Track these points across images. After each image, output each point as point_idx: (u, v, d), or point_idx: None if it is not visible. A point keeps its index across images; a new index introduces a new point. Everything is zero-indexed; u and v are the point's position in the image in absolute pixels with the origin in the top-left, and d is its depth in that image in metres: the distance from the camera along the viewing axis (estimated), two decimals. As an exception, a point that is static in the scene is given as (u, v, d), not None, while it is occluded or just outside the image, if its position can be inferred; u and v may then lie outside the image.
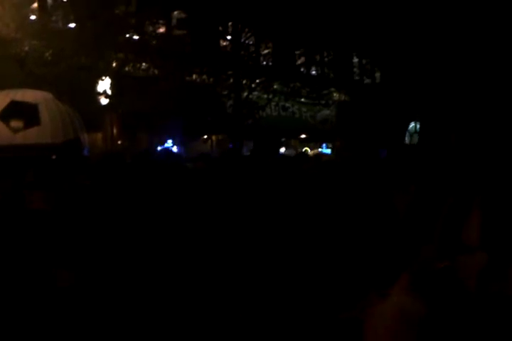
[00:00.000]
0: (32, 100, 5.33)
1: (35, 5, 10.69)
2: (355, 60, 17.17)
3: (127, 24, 10.97)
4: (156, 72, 11.58)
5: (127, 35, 11.19)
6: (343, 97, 16.61)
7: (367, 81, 17.08)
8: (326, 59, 15.43)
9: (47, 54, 9.83)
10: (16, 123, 4.72)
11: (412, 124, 16.58)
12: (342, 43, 14.50)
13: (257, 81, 13.05)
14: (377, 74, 17.23)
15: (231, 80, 12.68)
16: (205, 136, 13.74)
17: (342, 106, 16.36)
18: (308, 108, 15.73)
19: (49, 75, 8.69)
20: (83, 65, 9.77)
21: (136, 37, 11.41)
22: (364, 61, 17.00)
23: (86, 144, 6.04)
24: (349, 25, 12.75)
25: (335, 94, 16.11)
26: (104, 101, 10.88)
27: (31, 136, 4.50)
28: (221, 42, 13.46)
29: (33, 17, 10.43)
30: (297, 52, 14.76)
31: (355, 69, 17.25)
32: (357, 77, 17.34)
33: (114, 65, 10.90)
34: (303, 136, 16.17)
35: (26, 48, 9.75)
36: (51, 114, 5.34)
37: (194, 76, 12.45)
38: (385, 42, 13.97)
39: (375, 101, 14.83)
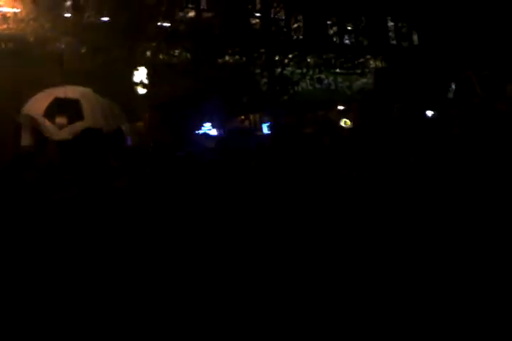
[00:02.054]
0: (73, 96, 5.57)
1: (68, 3, 10.97)
2: (390, 24, 16.64)
3: (157, 12, 11.10)
4: (188, 56, 11.68)
5: (158, 24, 11.32)
6: (379, 64, 16.20)
7: (404, 45, 16.56)
8: (358, 26, 15.05)
9: (83, 50, 10.11)
10: (60, 120, 4.98)
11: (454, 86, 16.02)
12: (374, 8, 14.09)
13: (290, 56, 12.93)
14: (414, 38, 16.69)
15: (263, 58, 12.62)
16: (243, 117, 13.81)
17: (379, 73, 15.96)
18: (344, 78, 15.45)
19: (87, 70, 8.96)
20: (118, 57, 10.00)
21: (166, 24, 11.53)
22: (400, 24, 16.46)
23: (128, 134, 6.28)
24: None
25: (371, 62, 15.72)
26: (141, 90, 11.13)
27: (76, 131, 4.73)
28: (251, 20, 13.37)
29: (67, 14, 10.73)
30: (328, 23, 14.48)
31: (390, 34, 16.74)
32: (393, 42, 16.83)
33: (147, 54, 11.09)
34: (340, 107, 15.95)
35: (62, 46, 10.06)
36: (93, 108, 5.58)
37: (227, 57, 12.47)
38: (419, 3, 13.50)
39: (415, 65, 14.40)
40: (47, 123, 4.87)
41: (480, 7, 12.48)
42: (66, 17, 10.64)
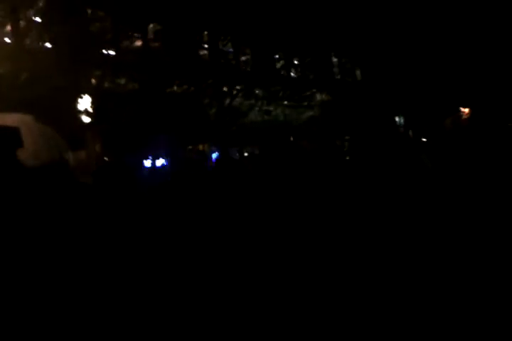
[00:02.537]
0: (12, 123, 5.23)
1: (8, 28, 10.58)
2: (334, 59, 17.25)
3: (103, 40, 10.91)
4: (135, 86, 11.51)
5: (104, 52, 11.12)
6: (325, 97, 16.66)
7: (348, 79, 17.16)
8: (304, 61, 15.48)
9: (22, 76, 9.72)
10: None
11: (397, 118, 16.71)
12: (320, 45, 14.56)
13: (238, 87, 13.04)
14: (358, 72, 17.35)
15: (212, 89, 12.65)
16: (190, 147, 13.67)
17: (325, 106, 16.39)
18: (292, 110, 15.74)
19: (27, 98, 8.59)
20: (61, 84, 9.68)
21: (112, 53, 11.35)
22: (343, 60, 17.09)
23: (71, 163, 5.96)
24: (326, 26, 12.82)
25: (317, 95, 16.14)
26: (86, 119, 10.78)
27: (18, 157, 4.41)
28: (199, 51, 13.44)
29: (6, 39, 10.33)
30: (276, 56, 14.80)
31: (334, 69, 17.33)
32: (337, 76, 17.41)
33: (93, 82, 10.82)
34: (291, 138, 16.15)
35: (0, 71, 9.64)
36: (33, 136, 5.25)
37: (175, 87, 12.39)
38: (363, 41, 14.07)
39: (359, 99, 14.89)
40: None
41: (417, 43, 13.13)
42: (6, 42, 10.24)
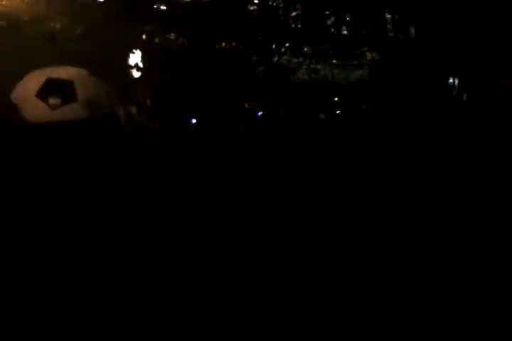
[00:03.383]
0: (67, 77, 5.46)
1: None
2: (388, 16, 16.56)
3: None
4: (185, 42, 11.57)
5: (154, 6, 11.17)
6: (376, 56, 16.16)
7: (401, 37, 16.51)
8: (357, 17, 14.97)
9: (78, 30, 9.96)
10: (53, 101, 4.89)
11: (451, 80, 16.07)
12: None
13: (287, 45, 12.85)
14: (412, 30, 16.63)
15: (260, 45, 12.53)
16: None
17: (376, 65, 15.93)
18: (341, 69, 15.41)
19: (81, 51, 8.84)
20: (113, 39, 9.87)
21: (163, 7, 11.38)
22: (397, 17, 16.38)
23: (122, 117, 6.20)
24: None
25: (368, 54, 15.68)
26: (136, 74, 11.01)
27: (69, 112, 4.67)
28: (248, 6, 13.24)
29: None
30: (326, 12, 14.37)
31: (388, 26, 16.68)
32: (390, 34, 16.77)
33: (143, 37, 10.96)
34: (335, 98, 15.92)
35: (57, 26, 9.90)
36: (87, 90, 5.49)
37: (223, 43, 12.36)
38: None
39: (412, 58, 14.37)
40: (39, 103, 4.79)
41: (478, 5, 12.44)
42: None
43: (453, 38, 13.14)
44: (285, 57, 13.03)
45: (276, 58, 12.59)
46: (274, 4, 13.17)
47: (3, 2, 9.62)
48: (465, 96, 15.29)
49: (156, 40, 11.25)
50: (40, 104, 5.11)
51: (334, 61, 14.85)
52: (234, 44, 12.36)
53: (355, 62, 14.88)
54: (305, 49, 13.50)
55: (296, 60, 13.43)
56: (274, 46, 12.59)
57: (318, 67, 14.81)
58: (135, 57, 10.97)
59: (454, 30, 12.74)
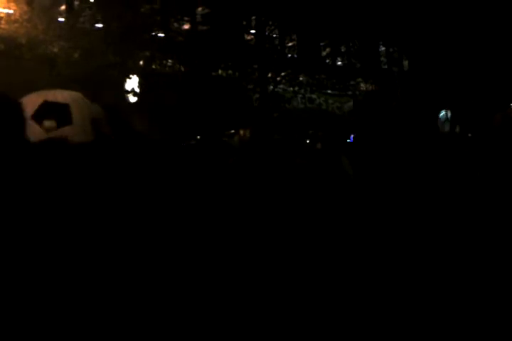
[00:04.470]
0: (63, 100, 5.45)
1: (63, 7, 10.91)
2: (382, 48, 16.90)
3: (152, 22, 11.09)
4: (182, 68, 11.67)
5: (153, 33, 11.31)
6: (370, 87, 16.39)
7: (394, 70, 16.80)
8: (351, 49, 15.24)
9: (75, 54, 10.02)
10: (48, 123, 4.85)
11: (443, 112, 16.27)
12: (367, 32, 14.29)
13: (283, 74, 12.99)
14: (405, 63, 16.95)
15: (256, 74, 12.66)
16: (232, 131, 13.76)
17: (370, 96, 16.14)
18: (335, 99, 15.60)
19: (78, 75, 8.86)
20: (110, 64, 9.93)
21: (161, 34, 11.53)
22: (391, 49, 16.72)
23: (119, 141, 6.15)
24: (374, 13, 12.57)
25: (362, 85, 15.91)
26: (132, 99, 11.05)
27: (63, 134, 4.62)
28: (245, 36, 13.45)
29: (60, 19, 10.66)
30: (322, 44, 14.62)
31: (382, 58, 16.99)
32: (384, 66, 17.07)
33: (141, 62, 11.05)
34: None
35: (55, 49, 9.96)
36: (82, 113, 5.46)
37: (220, 71, 12.48)
38: (412, 30, 13.72)
39: (404, 90, 14.59)
40: (35, 125, 4.75)
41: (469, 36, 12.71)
42: (60, 21, 10.57)
43: (446, 71, 13.37)
44: (281, 86, 13.16)
45: (271, 86, 12.72)
46: (271, 34, 13.39)
47: (2, 26, 9.69)
48: (458, 128, 15.44)
49: (154, 65, 11.34)
50: (36, 126, 5.02)
51: (329, 91, 15.03)
52: (230, 72, 12.48)
53: (350, 92, 15.08)
54: (301, 78, 13.66)
55: (291, 88, 13.57)
56: (269, 75, 12.73)
57: (314, 96, 14.97)
58: (132, 82, 11.03)
59: (447, 63, 12.97)
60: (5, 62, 8.99)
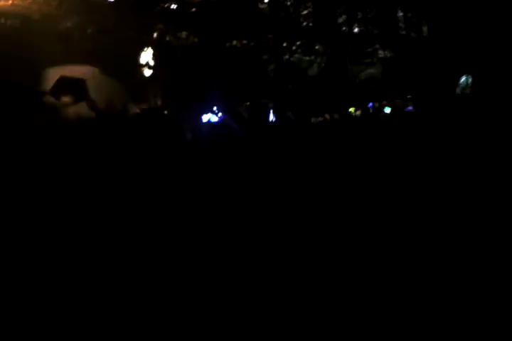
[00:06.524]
0: (80, 75, 5.53)
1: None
2: (400, 14, 16.42)
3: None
4: (195, 40, 11.56)
5: (165, 5, 11.19)
6: (388, 54, 16.03)
7: (413, 36, 16.37)
8: (368, 15, 14.87)
9: (89, 29, 10.00)
10: (66, 98, 4.94)
11: (464, 78, 15.88)
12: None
13: (298, 43, 12.79)
14: (424, 28, 16.48)
15: (271, 43, 12.49)
16: (248, 103, 13.68)
17: (388, 63, 15.80)
18: (352, 67, 15.31)
19: (93, 50, 8.87)
20: (124, 37, 9.90)
21: (174, 6, 11.39)
22: (409, 15, 16.24)
23: (133, 115, 6.21)
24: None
25: (380, 52, 15.56)
26: (147, 72, 11.03)
27: (81, 109, 4.70)
28: (259, 5, 13.19)
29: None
30: (338, 11, 14.29)
31: (400, 24, 16.54)
32: (402, 32, 16.63)
33: (154, 35, 10.98)
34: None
35: (69, 24, 9.95)
36: (98, 88, 5.53)
37: (234, 41, 12.33)
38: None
39: (423, 56, 14.25)
40: (52, 101, 4.85)
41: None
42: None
43: (465, 36, 13.00)
44: (296, 56, 12.97)
45: (287, 56, 12.55)
46: (285, 2, 13.12)
47: (16, 2, 9.68)
48: (479, 94, 15.09)
49: (167, 38, 11.27)
50: (53, 101, 5.13)
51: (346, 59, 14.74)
52: (245, 42, 12.32)
53: (367, 60, 14.78)
54: (316, 47, 13.42)
55: (307, 58, 13.36)
56: (285, 44, 12.54)
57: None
58: (146, 56, 11.00)
59: (466, 28, 12.61)
60: (20, 38, 9.01)
